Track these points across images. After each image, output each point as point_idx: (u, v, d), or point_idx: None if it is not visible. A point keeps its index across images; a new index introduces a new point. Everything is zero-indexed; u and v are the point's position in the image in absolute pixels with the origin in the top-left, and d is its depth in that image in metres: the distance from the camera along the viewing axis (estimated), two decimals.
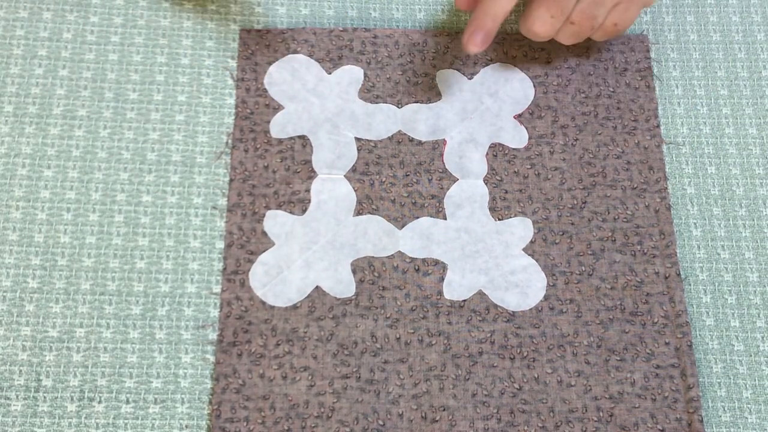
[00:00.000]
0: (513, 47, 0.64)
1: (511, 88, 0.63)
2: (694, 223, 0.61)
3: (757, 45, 0.66)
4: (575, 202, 0.60)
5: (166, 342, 0.55)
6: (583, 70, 0.64)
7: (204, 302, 0.56)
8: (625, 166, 0.61)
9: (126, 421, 0.53)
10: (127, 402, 0.54)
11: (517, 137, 0.62)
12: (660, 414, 0.54)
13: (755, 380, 0.57)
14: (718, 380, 0.57)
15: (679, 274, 0.58)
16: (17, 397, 0.53)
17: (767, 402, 0.56)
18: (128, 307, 0.56)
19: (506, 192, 0.60)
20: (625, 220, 0.59)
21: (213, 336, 0.56)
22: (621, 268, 0.58)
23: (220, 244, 0.58)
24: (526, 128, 0.62)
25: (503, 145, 0.61)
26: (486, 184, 0.60)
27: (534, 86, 0.63)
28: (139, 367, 0.55)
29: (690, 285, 0.59)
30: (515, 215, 0.59)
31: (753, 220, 0.61)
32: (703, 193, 0.62)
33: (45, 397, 0.53)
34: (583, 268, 0.58)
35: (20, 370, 0.54)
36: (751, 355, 0.57)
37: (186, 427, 0.53)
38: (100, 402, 0.54)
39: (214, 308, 0.56)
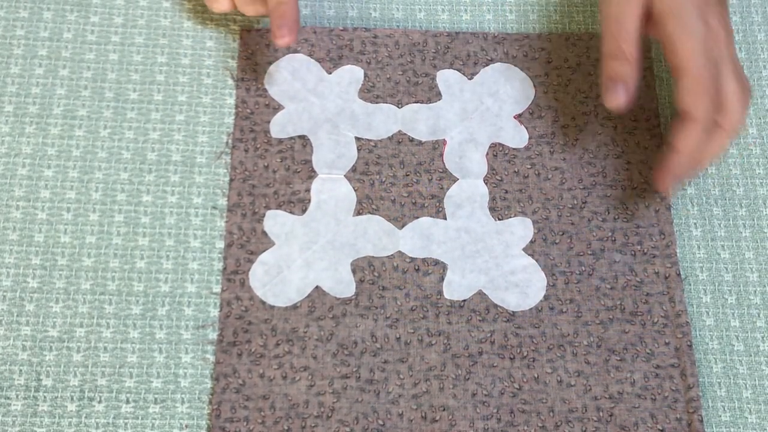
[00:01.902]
0: (513, 47, 0.64)
1: (512, 88, 0.63)
2: (694, 223, 0.61)
3: (757, 45, 0.66)
4: (575, 202, 0.60)
5: (166, 342, 0.55)
6: (583, 69, 0.64)
7: (204, 302, 0.56)
8: (625, 166, 0.61)
9: (126, 420, 0.53)
10: (127, 402, 0.54)
11: (517, 137, 0.62)
12: (660, 414, 0.54)
13: (755, 380, 0.57)
14: (718, 380, 0.57)
15: (679, 274, 0.58)
16: (17, 396, 0.53)
17: (767, 402, 0.56)
18: (128, 307, 0.56)
19: (506, 192, 0.60)
20: (625, 220, 0.59)
21: (213, 336, 0.56)
22: (621, 268, 0.58)
23: (220, 244, 0.58)
24: (527, 128, 0.62)
25: (503, 144, 0.61)
26: (486, 183, 0.60)
27: (534, 86, 0.63)
28: (139, 366, 0.55)
29: (690, 285, 0.59)
30: (515, 215, 0.59)
31: (753, 220, 0.61)
32: (703, 193, 0.62)
33: (45, 397, 0.53)
34: (583, 268, 0.58)
35: (20, 370, 0.54)
36: (751, 355, 0.57)
37: (186, 426, 0.53)
38: (100, 402, 0.54)
39: (214, 308, 0.56)
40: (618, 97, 0.55)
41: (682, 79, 0.54)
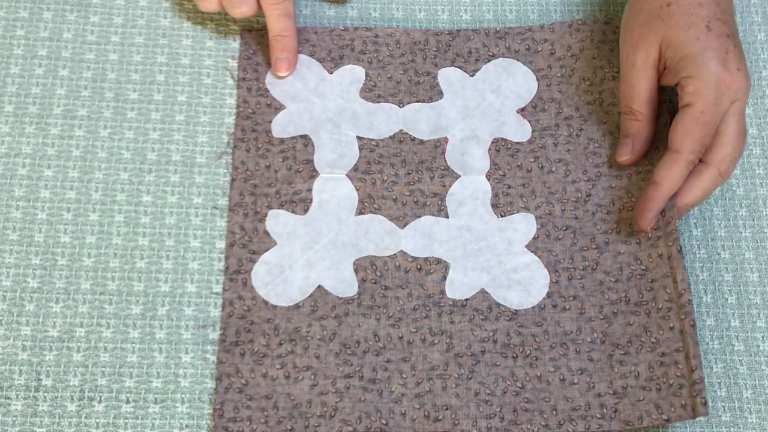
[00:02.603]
0: (515, 41, 0.64)
1: (514, 83, 0.63)
2: (695, 223, 0.61)
3: (757, 45, 0.66)
4: (579, 195, 0.60)
5: (166, 342, 0.55)
6: (587, 55, 0.63)
7: (204, 302, 0.56)
8: None
9: (126, 420, 0.53)
10: (127, 402, 0.53)
11: (519, 131, 0.61)
12: (665, 403, 0.53)
13: (755, 380, 0.57)
14: (719, 380, 0.57)
15: (680, 251, 0.56)
16: (17, 396, 0.53)
17: (767, 402, 0.56)
18: (128, 307, 0.56)
19: (509, 187, 0.60)
20: (629, 209, 0.59)
21: (213, 336, 0.55)
22: (626, 259, 0.58)
23: (220, 244, 0.58)
24: (530, 122, 0.62)
25: (506, 139, 0.61)
26: (488, 179, 0.60)
27: (537, 79, 0.63)
28: (140, 366, 0.54)
29: (690, 285, 0.59)
30: (518, 210, 0.59)
31: (753, 220, 0.61)
32: None
33: (45, 397, 0.53)
34: (587, 263, 0.58)
35: (20, 370, 0.54)
36: (751, 355, 0.57)
37: (186, 426, 0.53)
38: (100, 402, 0.53)
39: (214, 308, 0.56)
40: (625, 151, 0.59)
41: (682, 113, 0.56)
